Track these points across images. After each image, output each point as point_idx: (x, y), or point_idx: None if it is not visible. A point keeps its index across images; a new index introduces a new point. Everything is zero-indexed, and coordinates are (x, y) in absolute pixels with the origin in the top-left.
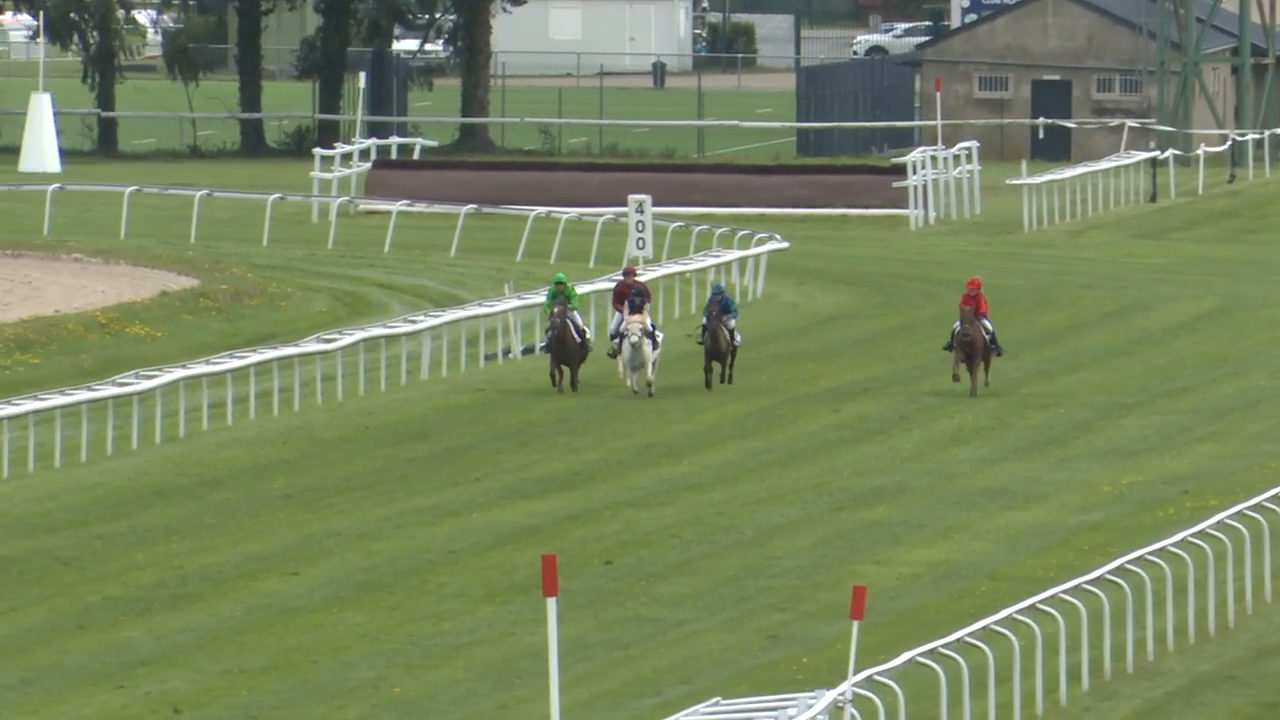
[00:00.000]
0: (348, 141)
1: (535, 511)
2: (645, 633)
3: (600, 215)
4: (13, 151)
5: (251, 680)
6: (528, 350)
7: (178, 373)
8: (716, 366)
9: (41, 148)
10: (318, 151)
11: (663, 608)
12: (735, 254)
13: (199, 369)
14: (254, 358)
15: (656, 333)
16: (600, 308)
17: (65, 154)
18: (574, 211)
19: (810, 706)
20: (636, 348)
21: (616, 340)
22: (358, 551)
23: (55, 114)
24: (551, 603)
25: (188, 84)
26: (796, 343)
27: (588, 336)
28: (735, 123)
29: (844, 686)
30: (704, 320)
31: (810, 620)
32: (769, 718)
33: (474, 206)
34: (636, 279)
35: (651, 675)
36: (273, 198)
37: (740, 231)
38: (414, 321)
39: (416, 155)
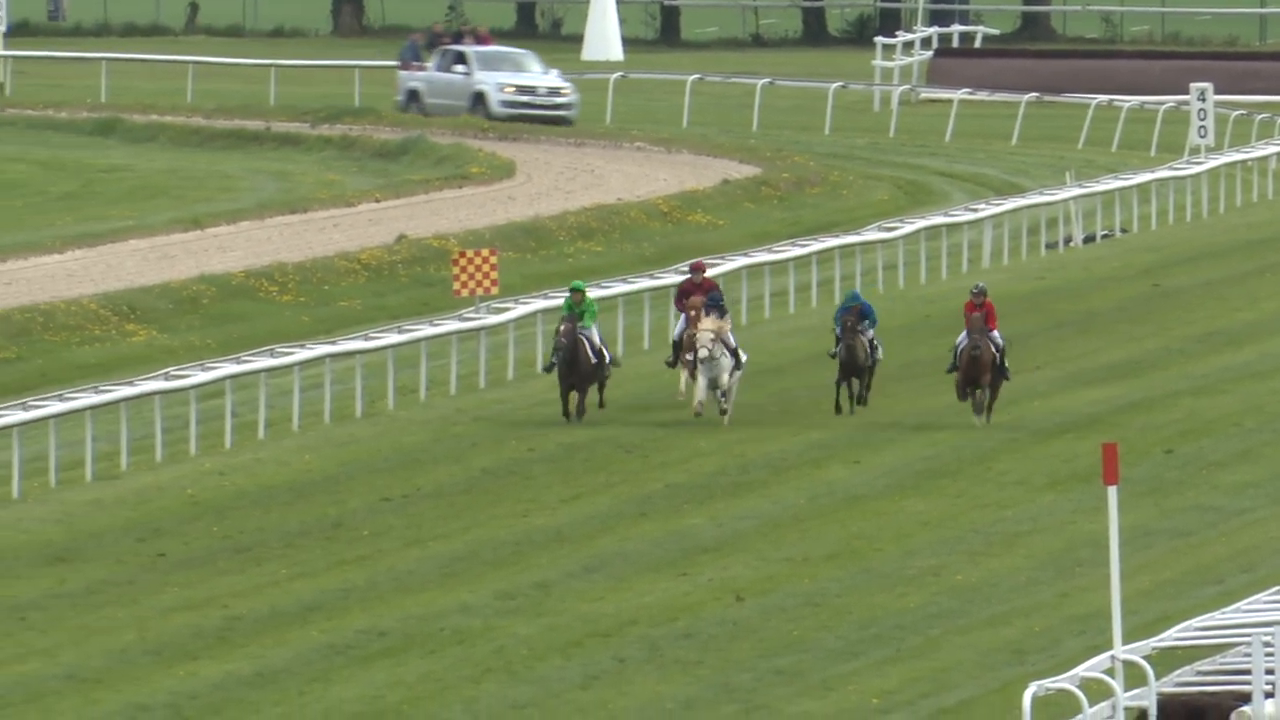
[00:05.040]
0: (910, 29)
1: (1096, 399)
2: (1206, 521)
3: (1161, 103)
4: (575, 40)
5: (814, 568)
6: (1089, 239)
7: (740, 260)
8: (854, 384)
9: (605, 36)
10: (879, 40)
11: (1224, 496)
12: None
13: (761, 257)
14: (815, 246)
15: (740, 351)
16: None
17: (627, 43)
18: (1135, 100)
19: None
20: (708, 363)
21: (676, 349)
22: (919, 440)
23: (617, 2)
24: (1112, 491)
25: None
26: None
27: (605, 358)
28: None
29: None
30: (836, 330)
31: None
32: None
33: (1035, 95)
34: (706, 276)
35: (1213, 563)
36: (834, 86)
37: None
38: (975, 210)
39: (978, 43)
